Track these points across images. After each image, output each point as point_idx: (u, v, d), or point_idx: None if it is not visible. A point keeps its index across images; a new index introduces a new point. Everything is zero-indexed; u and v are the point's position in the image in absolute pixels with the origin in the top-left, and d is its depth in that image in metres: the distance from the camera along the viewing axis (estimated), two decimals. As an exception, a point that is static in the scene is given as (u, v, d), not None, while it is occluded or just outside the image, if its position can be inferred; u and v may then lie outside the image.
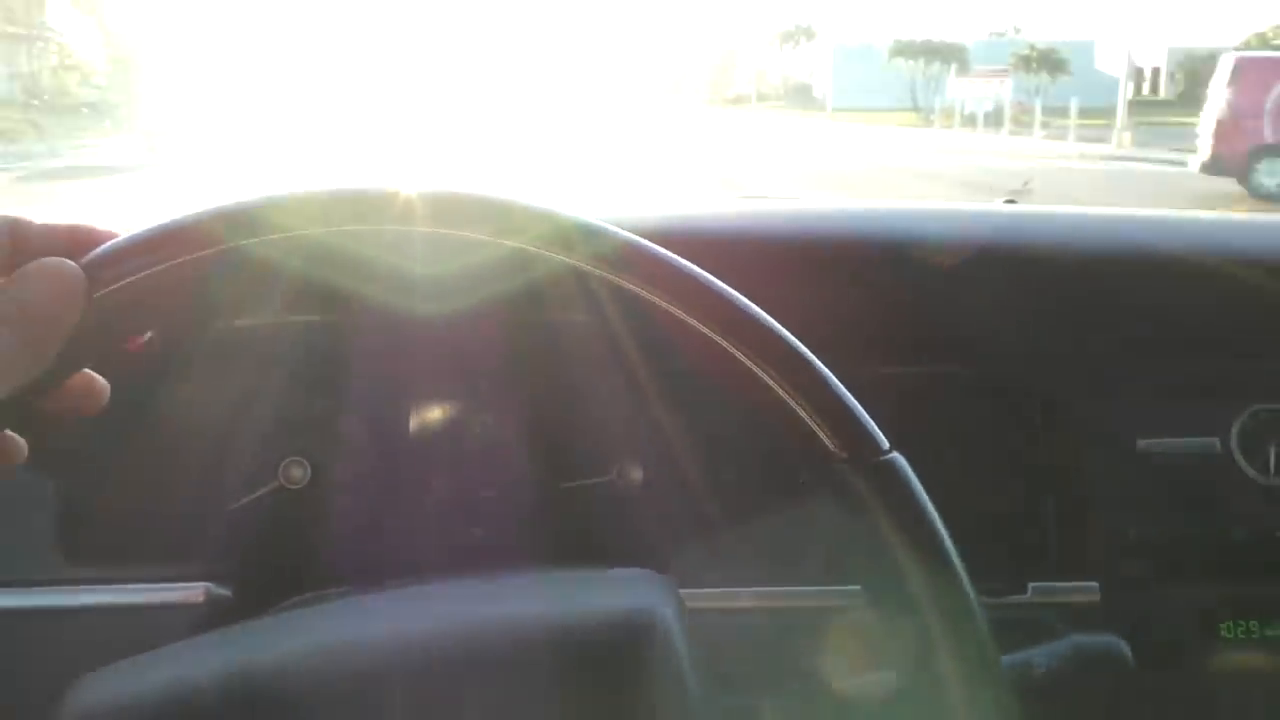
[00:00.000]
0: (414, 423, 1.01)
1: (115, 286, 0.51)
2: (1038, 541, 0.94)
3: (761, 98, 71.65)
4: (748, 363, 0.58)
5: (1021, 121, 29.45)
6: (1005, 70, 34.64)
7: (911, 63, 46.52)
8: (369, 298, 0.93)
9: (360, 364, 1.00)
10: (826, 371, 0.59)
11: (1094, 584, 0.92)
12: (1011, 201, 1.32)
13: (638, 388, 0.98)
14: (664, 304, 0.58)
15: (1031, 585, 0.92)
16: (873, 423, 0.59)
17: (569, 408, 1.00)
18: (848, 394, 0.59)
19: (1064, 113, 25.52)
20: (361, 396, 1.00)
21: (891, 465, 0.58)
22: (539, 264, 0.60)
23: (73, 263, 0.49)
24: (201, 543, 0.98)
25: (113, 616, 0.89)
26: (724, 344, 0.58)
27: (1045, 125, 27.15)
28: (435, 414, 1.02)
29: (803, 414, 0.58)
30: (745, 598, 0.93)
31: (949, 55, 43.63)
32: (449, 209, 0.59)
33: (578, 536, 1.00)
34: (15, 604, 0.88)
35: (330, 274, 0.88)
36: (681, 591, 0.86)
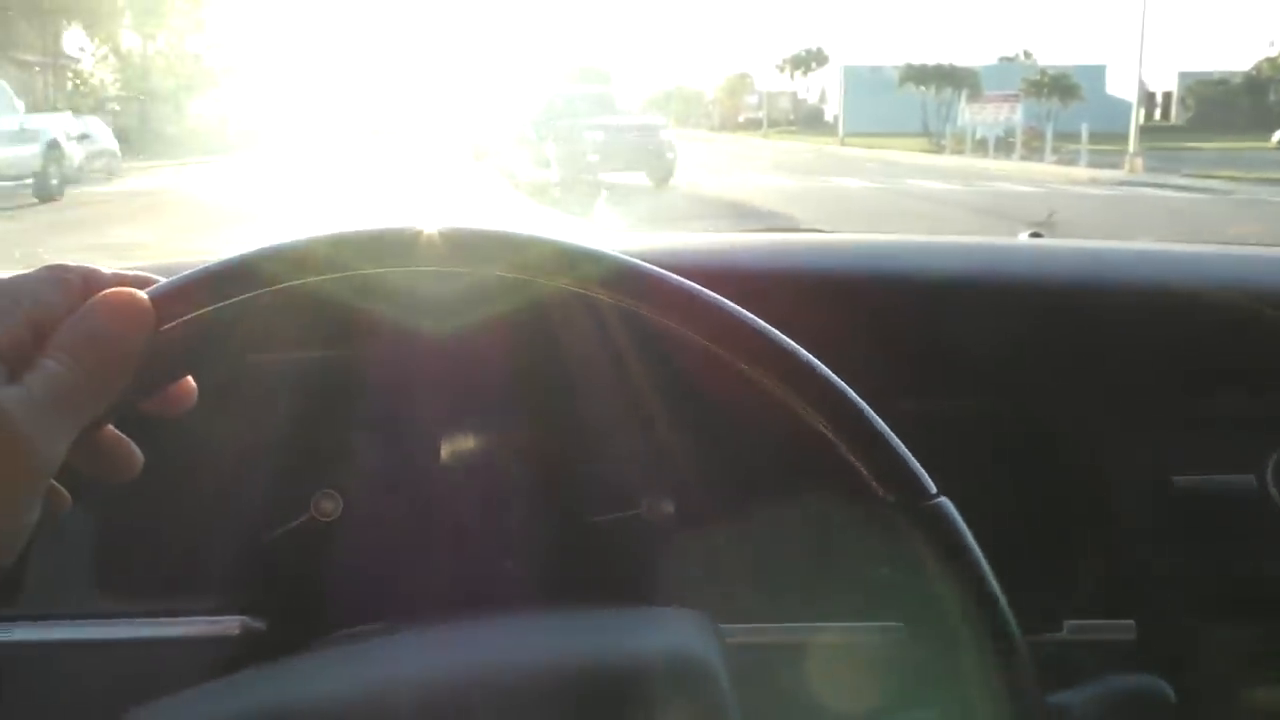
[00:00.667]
0: (444, 454, 1.01)
1: (180, 320, 0.51)
2: (1073, 578, 0.94)
3: (772, 123, 71.77)
4: (794, 403, 0.58)
5: (1032, 146, 29.45)
6: (1016, 95, 34.58)
7: (923, 88, 46.54)
8: (401, 330, 0.94)
9: (390, 396, 1.00)
10: (872, 413, 0.59)
11: (1130, 622, 0.92)
12: (1037, 234, 1.33)
13: (670, 420, 0.98)
14: (708, 343, 0.59)
15: (1067, 623, 0.92)
16: (919, 466, 0.59)
17: (600, 439, 1.00)
18: (894, 436, 0.59)
19: (1076, 137, 25.53)
20: (392, 428, 1.00)
21: (939, 509, 0.59)
22: (576, 302, 0.60)
23: (141, 293, 0.50)
24: (235, 575, 0.98)
25: (149, 649, 0.89)
26: (770, 384, 0.59)
27: (1056, 150, 27.14)
28: (465, 445, 1.02)
29: (850, 456, 0.58)
30: (779, 633, 0.92)
31: (960, 80, 43.63)
32: (509, 249, 0.60)
33: (608, 570, 1.00)
34: (53, 637, 0.89)
35: (368, 307, 0.89)
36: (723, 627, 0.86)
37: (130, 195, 16.14)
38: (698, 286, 0.59)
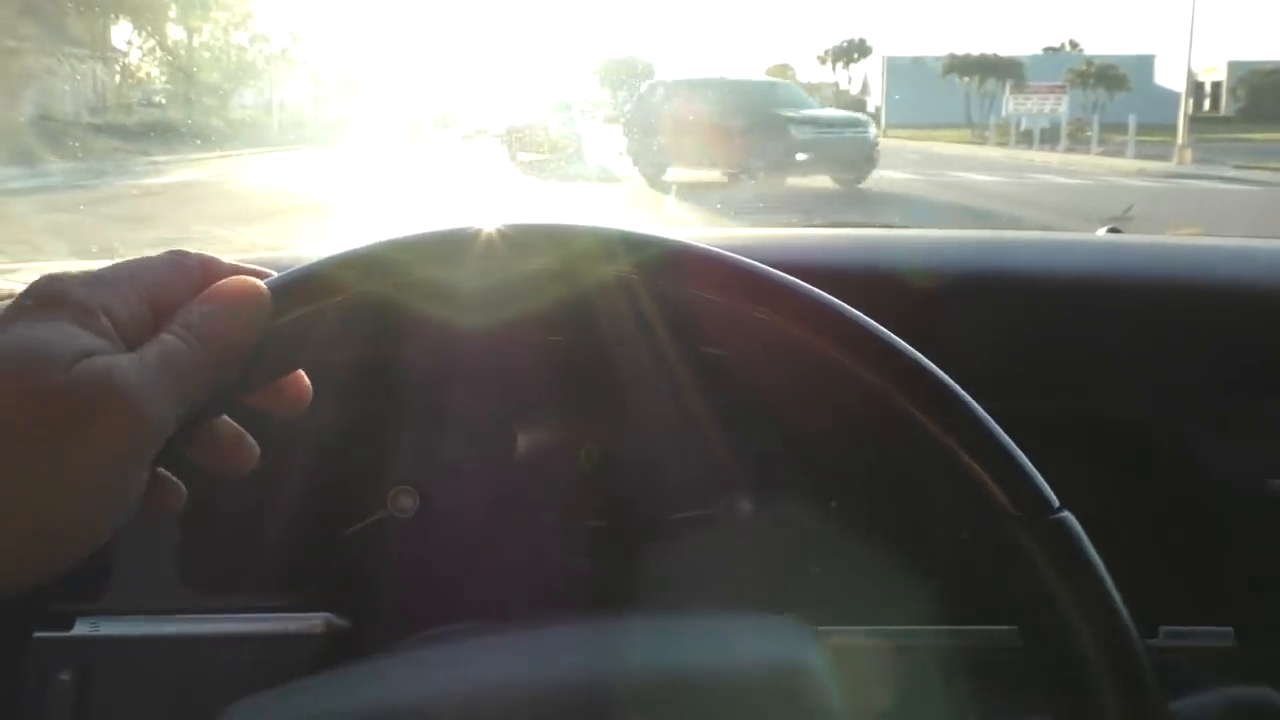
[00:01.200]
0: (519, 450, 1.01)
1: (298, 313, 0.51)
2: (1169, 584, 0.92)
3: (814, 114, 71.42)
4: (916, 413, 0.58)
5: (1078, 138, 29.13)
6: (1062, 86, 34.23)
7: (966, 79, 46.17)
8: (474, 326, 0.94)
9: (464, 392, 1.00)
10: (994, 424, 0.59)
11: (1228, 629, 0.90)
12: (1115, 230, 1.31)
13: (751, 419, 0.98)
14: (825, 347, 0.58)
15: (1163, 629, 0.90)
16: (1042, 480, 0.59)
17: (677, 436, 1.00)
18: (1016, 448, 0.59)
19: (1123, 129, 25.23)
20: (468, 425, 1.00)
21: (1063, 524, 0.58)
22: (657, 299, 0.60)
23: (261, 283, 0.50)
24: (316, 572, 0.98)
25: (234, 646, 0.90)
26: (883, 389, 0.59)
27: (1103, 142, 26.84)
28: (539, 441, 1.02)
29: (976, 468, 0.58)
30: (879, 636, 0.91)
31: (1004, 71, 43.23)
32: (612, 247, 0.60)
33: (685, 569, 0.99)
34: (141, 631, 0.89)
35: (438, 304, 0.89)
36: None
37: (184, 186, 16.33)
38: (819, 291, 0.59)
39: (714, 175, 15.77)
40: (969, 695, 0.84)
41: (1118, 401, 0.97)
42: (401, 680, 0.64)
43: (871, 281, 1.04)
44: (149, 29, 33.84)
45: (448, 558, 0.99)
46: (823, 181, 15.86)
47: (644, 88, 18.86)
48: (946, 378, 0.59)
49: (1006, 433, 0.92)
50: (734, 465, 1.00)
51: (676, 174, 16.15)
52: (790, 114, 16.28)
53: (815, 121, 16.08)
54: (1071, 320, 1.00)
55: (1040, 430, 0.95)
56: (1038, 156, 26.96)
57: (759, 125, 15.94)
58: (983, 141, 35.79)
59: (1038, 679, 0.60)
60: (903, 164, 23.68)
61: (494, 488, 1.00)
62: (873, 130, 16.61)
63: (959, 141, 36.90)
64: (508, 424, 1.01)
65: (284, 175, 19.05)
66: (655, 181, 15.67)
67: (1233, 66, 66.40)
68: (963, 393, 0.59)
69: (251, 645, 0.90)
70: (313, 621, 0.90)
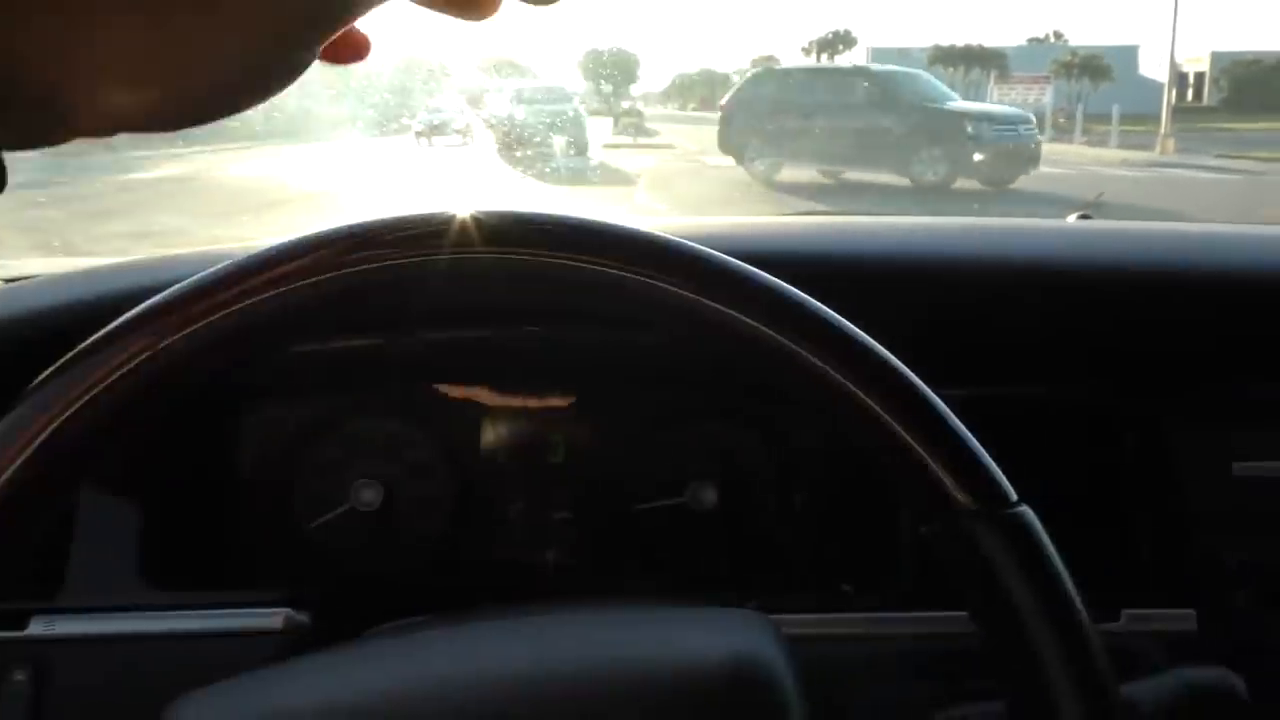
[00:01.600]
0: (486, 443, 1.01)
1: None
2: (1132, 567, 0.92)
3: (799, 106, 71.59)
4: (869, 402, 0.57)
5: (1062, 128, 29.24)
6: (1046, 76, 34.39)
7: (951, 69, 46.28)
8: (442, 319, 0.93)
9: (432, 385, 0.99)
10: (951, 416, 0.58)
11: (1190, 611, 0.90)
12: (1085, 216, 1.30)
13: (714, 409, 0.97)
14: (783, 340, 0.57)
15: (1126, 612, 0.90)
16: (1000, 472, 0.58)
17: (643, 428, 0.99)
18: (974, 440, 0.58)
19: (1106, 119, 25.32)
20: (434, 418, 1.00)
21: (1021, 518, 0.57)
22: (631, 291, 0.59)
23: None
24: (278, 567, 0.97)
25: (192, 643, 0.89)
26: (842, 382, 0.57)
27: (1087, 131, 26.93)
28: (507, 434, 1.01)
29: (929, 460, 0.57)
30: (834, 625, 0.91)
31: (989, 61, 43.39)
32: (548, 235, 0.59)
33: (650, 560, 0.99)
34: (98, 629, 0.88)
35: (406, 295, 0.88)
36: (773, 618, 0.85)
37: (163, 181, 16.26)
38: (775, 279, 0.58)
39: (861, 175, 14.07)
40: (926, 683, 0.84)
41: (1085, 387, 0.97)
42: (354, 672, 0.63)
43: (837, 269, 1.03)
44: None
45: (411, 551, 0.98)
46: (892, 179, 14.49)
47: (749, 76, 17.33)
48: (902, 367, 0.58)
49: (971, 421, 0.92)
50: (700, 456, 0.99)
51: (793, 173, 14.52)
52: (963, 109, 15.00)
53: (990, 118, 14.46)
54: (1041, 306, 0.99)
55: (1008, 416, 0.94)
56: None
57: (926, 122, 14.21)
58: (967, 132, 35.92)
59: (993, 668, 0.59)
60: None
61: (460, 481, 1.00)
62: (1035, 126, 14.93)
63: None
64: (474, 417, 1.00)
65: (270, 169, 18.94)
66: (769, 182, 14.13)
67: (1216, 57, 66.68)
68: (919, 383, 0.58)
69: (210, 642, 0.89)
70: (272, 617, 0.89)
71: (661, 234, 0.59)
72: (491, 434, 1.00)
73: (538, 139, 18.73)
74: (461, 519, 0.99)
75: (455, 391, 0.99)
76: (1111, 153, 22.77)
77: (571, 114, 20.33)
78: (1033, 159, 14.21)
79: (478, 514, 0.99)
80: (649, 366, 0.95)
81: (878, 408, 0.57)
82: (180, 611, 0.89)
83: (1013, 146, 14.02)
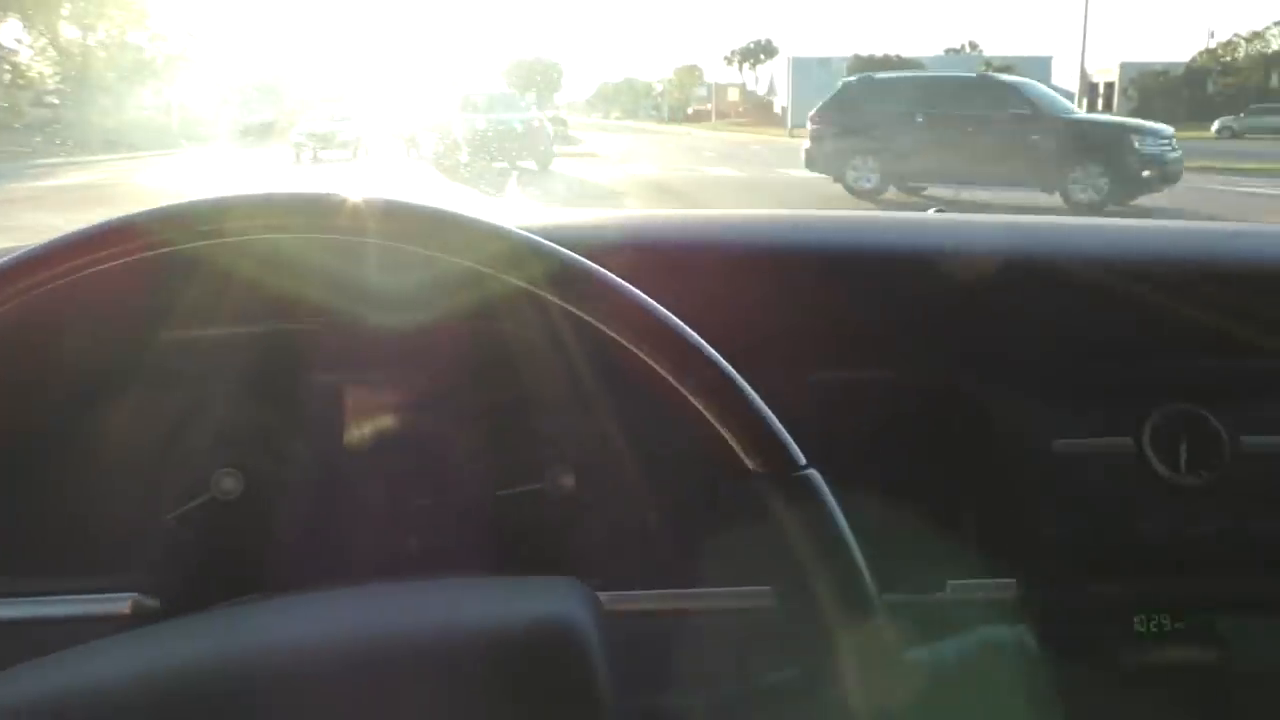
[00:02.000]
0: (351, 431, 1.01)
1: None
2: (959, 541, 0.96)
3: (721, 115, 71.88)
4: (668, 377, 0.61)
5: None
6: (963, 86, 34.92)
7: (870, 79, 46.87)
8: (304, 306, 0.94)
9: (294, 373, 1.00)
10: (745, 386, 0.62)
11: (1011, 581, 0.94)
12: (942, 210, 1.35)
13: (571, 395, 0.99)
14: (590, 319, 0.61)
15: (951, 583, 0.94)
16: (789, 438, 0.62)
17: (506, 414, 1.01)
18: (765, 409, 0.62)
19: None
20: (297, 406, 1.00)
21: (806, 480, 0.61)
22: (481, 279, 0.62)
23: None
24: (132, 555, 0.97)
25: (37, 629, 0.88)
26: (646, 358, 0.61)
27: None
28: (372, 422, 1.02)
29: (721, 428, 0.61)
30: (661, 600, 0.94)
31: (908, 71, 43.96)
32: (398, 221, 0.61)
33: (511, 543, 1.00)
34: None
35: (269, 281, 0.89)
36: (606, 595, 0.87)
37: (74, 188, 15.91)
38: (573, 255, 0.62)
39: (997, 195, 12.72)
40: (739, 651, 0.87)
41: (917, 368, 1.00)
42: (169, 644, 0.64)
43: (710, 259, 1.07)
44: (41, 27, 32.94)
45: (269, 539, 0.99)
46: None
47: (842, 86, 15.74)
48: (697, 339, 0.62)
49: (824, 400, 0.95)
50: (559, 442, 1.01)
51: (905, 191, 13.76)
52: (1123, 122, 13.94)
53: (1156, 134, 13.20)
54: (890, 294, 1.03)
55: (852, 398, 0.98)
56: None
57: (1081, 136, 13.14)
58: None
59: (791, 632, 0.63)
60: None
61: (323, 469, 1.00)
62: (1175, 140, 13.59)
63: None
64: (339, 405, 1.01)
65: (185, 176, 18.58)
66: (875, 198, 13.46)
67: (1125, 68, 68.16)
68: (713, 353, 0.62)
69: (55, 628, 0.88)
70: (119, 603, 0.89)
71: (495, 224, 0.62)
72: (353, 422, 1.01)
73: (495, 150, 17.66)
74: (324, 507, 1.00)
75: (319, 379, 1.00)
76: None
77: (534, 123, 19.33)
78: (1175, 176, 13.16)
79: (341, 501, 1.00)
80: (508, 354, 0.97)
81: (675, 380, 0.61)
82: (21, 598, 0.89)
83: (1168, 162, 12.96)
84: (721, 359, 0.62)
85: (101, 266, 0.59)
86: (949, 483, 0.97)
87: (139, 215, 0.61)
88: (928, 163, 13.65)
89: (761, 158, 26.89)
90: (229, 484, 0.96)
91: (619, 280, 0.63)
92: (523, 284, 0.62)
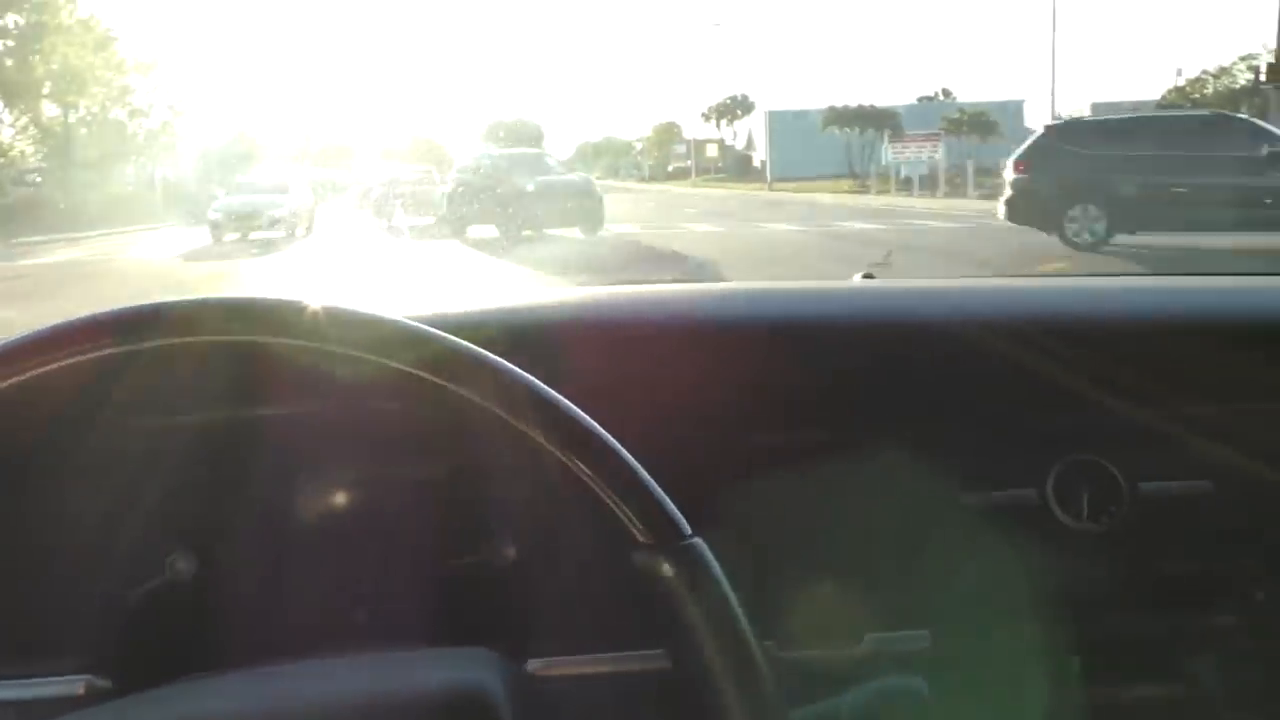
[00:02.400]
0: (298, 510, 1.05)
1: None
2: (874, 594, 1.00)
3: (701, 171, 72.27)
4: (555, 452, 0.65)
5: (955, 184, 30.02)
6: (937, 134, 35.27)
7: (846, 130, 47.20)
8: (259, 391, 0.98)
9: (244, 456, 1.03)
10: (629, 458, 0.66)
11: (924, 632, 0.98)
12: (869, 276, 1.40)
13: (509, 468, 1.03)
14: (476, 399, 0.66)
15: (868, 636, 0.98)
16: (674, 508, 0.66)
17: (454, 488, 1.04)
18: (650, 480, 0.65)
19: (997, 172, 25.98)
20: (248, 487, 1.03)
21: (691, 549, 0.64)
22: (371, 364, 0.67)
23: None
24: (88, 638, 1.00)
25: None
26: (532, 435, 0.65)
27: (979, 185, 27.67)
28: (318, 501, 1.05)
29: (609, 501, 0.64)
30: (585, 664, 0.97)
31: (882, 121, 44.25)
32: (284, 321, 0.66)
33: (453, 614, 1.03)
34: None
35: (214, 372, 0.93)
36: (533, 661, 0.91)
37: (59, 266, 15.94)
38: (450, 338, 0.67)
39: (1223, 241, 11.87)
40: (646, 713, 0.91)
41: (844, 431, 1.05)
42: None
43: (651, 333, 1.12)
44: (22, 106, 33.12)
45: (222, 618, 1.02)
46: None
47: (1045, 130, 14.86)
48: (576, 412, 0.66)
49: (743, 464, 1.00)
50: (503, 513, 1.05)
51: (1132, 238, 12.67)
52: None
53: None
54: (818, 359, 1.08)
55: (782, 460, 1.03)
56: (918, 203, 27.69)
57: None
58: (865, 190, 36.64)
59: (684, 698, 0.66)
60: (788, 217, 24.14)
61: (274, 547, 1.03)
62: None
63: (844, 191, 37.70)
64: (290, 484, 1.04)
65: (171, 250, 18.52)
66: (1098, 250, 12.49)
67: (1096, 108, 68.74)
68: (595, 426, 0.66)
69: (7, 710, 0.90)
70: (74, 685, 0.91)
71: (374, 313, 0.67)
72: (300, 501, 1.05)
73: (541, 215, 16.11)
74: (275, 584, 1.03)
75: (270, 460, 1.04)
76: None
77: (583, 186, 17.98)
78: None
79: (291, 578, 1.03)
80: (445, 431, 1.01)
81: (562, 453, 0.65)
82: None
83: None
84: (605, 433, 0.66)
85: (60, 364, 0.65)
86: (865, 537, 1.01)
87: (100, 316, 0.67)
88: (1160, 209, 12.49)
89: (739, 213, 27.10)
90: (181, 565, 0.99)
91: (498, 360, 0.67)
92: (408, 369, 0.66)
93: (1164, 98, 62.74)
